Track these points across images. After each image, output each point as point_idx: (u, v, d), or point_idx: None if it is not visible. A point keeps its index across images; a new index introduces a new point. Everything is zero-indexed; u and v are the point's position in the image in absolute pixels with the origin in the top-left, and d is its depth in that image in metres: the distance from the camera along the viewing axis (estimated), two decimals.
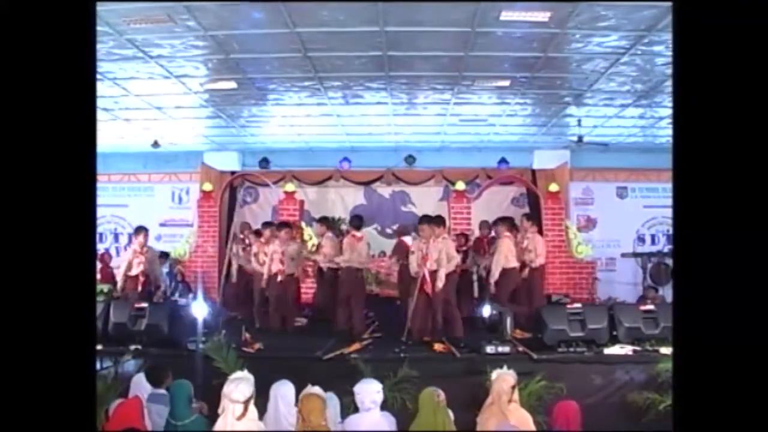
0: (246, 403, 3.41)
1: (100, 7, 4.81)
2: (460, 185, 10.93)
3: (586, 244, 10.88)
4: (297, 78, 7.51)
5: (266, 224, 8.71)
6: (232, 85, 7.70)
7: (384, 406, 3.94)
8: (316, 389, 3.45)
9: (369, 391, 3.84)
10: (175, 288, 10.16)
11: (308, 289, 9.47)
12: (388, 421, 3.81)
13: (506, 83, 7.72)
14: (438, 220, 7.05)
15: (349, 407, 4.19)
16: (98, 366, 5.23)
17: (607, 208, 11.81)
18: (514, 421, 3.81)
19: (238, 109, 9.12)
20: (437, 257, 6.66)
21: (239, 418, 3.36)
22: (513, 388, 4.08)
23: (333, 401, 4.03)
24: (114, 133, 10.07)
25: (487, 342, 5.69)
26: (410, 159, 11.58)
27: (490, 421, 3.91)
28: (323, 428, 3.28)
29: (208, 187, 11.30)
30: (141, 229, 8.12)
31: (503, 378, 4.11)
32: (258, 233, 8.75)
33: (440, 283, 6.59)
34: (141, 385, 4.32)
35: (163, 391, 4.14)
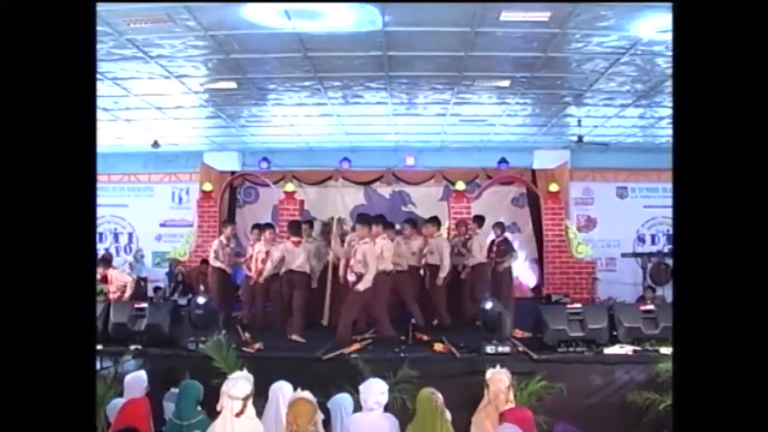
0: (245, 400, 3.40)
1: (100, 7, 4.81)
2: (460, 185, 10.94)
3: (586, 244, 10.89)
4: (297, 78, 7.51)
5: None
6: (232, 85, 7.71)
7: (384, 407, 3.94)
8: (305, 393, 3.44)
9: (374, 391, 3.83)
10: (175, 288, 10.18)
11: None
12: (389, 422, 3.81)
13: (506, 83, 7.73)
14: (372, 220, 6.93)
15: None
16: (98, 366, 5.22)
17: (607, 208, 11.82)
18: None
19: (238, 109, 9.12)
20: (361, 259, 6.54)
21: (238, 415, 3.35)
22: (509, 387, 4.06)
23: (345, 401, 4.01)
24: (114, 133, 10.07)
25: (487, 342, 5.69)
26: (410, 159, 11.58)
27: (486, 421, 3.89)
28: None
29: (208, 187, 11.31)
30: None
31: (498, 378, 4.09)
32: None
33: (361, 287, 6.47)
34: (135, 387, 4.29)
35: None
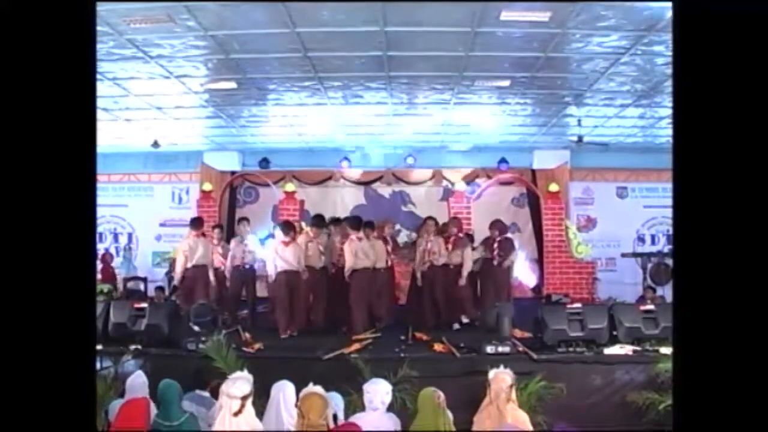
0: (243, 399, 3.41)
1: (100, 7, 4.80)
2: (460, 185, 10.93)
3: (586, 244, 10.89)
4: (297, 78, 7.51)
5: None
6: (232, 85, 7.71)
7: None
8: (318, 388, 3.46)
9: (379, 392, 3.85)
10: (175, 288, 10.15)
11: None
12: (392, 421, 3.81)
13: (506, 83, 7.71)
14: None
15: (349, 407, 4.19)
16: (98, 366, 5.22)
17: (607, 208, 11.80)
18: (511, 421, 3.80)
19: (238, 109, 9.12)
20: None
21: (236, 414, 3.36)
22: (511, 387, 4.07)
23: (336, 400, 4.02)
24: (114, 133, 10.06)
25: (487, 342, 5.69)
26: (410, 159, 11.59)
27: (487, 421, 3.90)
28: (322, 427, 3.28)
29: (208, 187, 11.31)
30: None
31: (501, 377, 4.10)
32: None
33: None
34: (136, 388, 4.29)
35: (206, 393, 4.21)
